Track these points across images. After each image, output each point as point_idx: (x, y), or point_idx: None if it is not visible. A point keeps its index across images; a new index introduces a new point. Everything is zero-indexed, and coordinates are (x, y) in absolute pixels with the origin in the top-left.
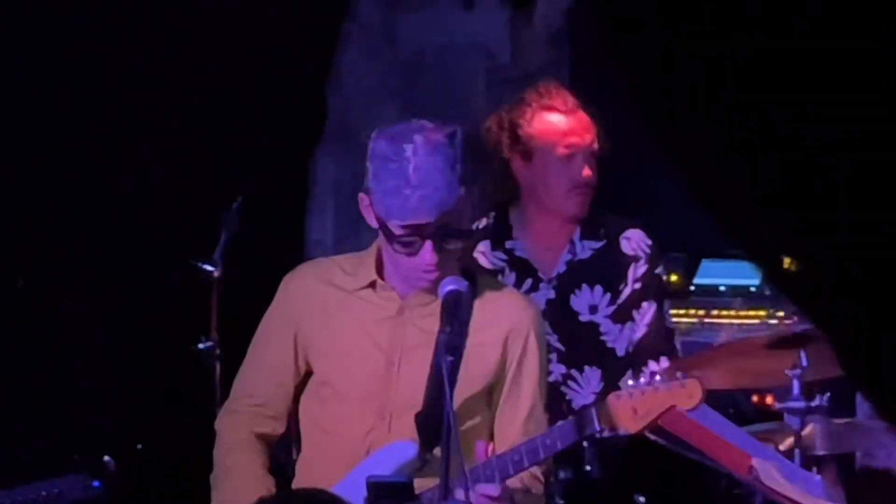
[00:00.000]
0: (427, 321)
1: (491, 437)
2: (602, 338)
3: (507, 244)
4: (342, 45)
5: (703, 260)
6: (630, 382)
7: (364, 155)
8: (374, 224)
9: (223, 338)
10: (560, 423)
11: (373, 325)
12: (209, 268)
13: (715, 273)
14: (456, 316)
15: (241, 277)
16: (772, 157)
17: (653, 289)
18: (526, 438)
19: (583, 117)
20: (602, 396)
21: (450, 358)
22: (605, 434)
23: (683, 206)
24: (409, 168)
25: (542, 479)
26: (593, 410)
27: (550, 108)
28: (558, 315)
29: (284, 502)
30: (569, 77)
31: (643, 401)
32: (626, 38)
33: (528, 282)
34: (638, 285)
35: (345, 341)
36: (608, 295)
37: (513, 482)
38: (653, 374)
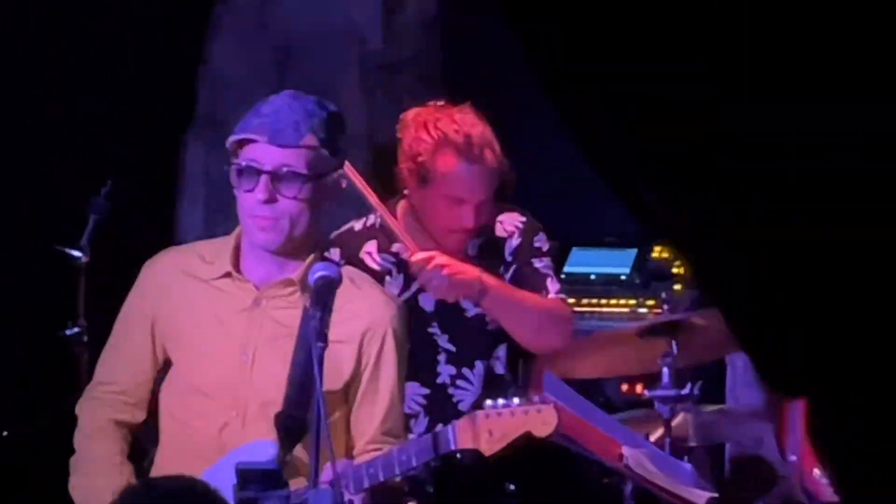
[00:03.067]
0: (284, 313)
1: (349, 434)
2: (489, 328)
3: (394, 247)
4: (213, 31)
5: (574, 248)
6: (489, 402)
7: None
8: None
9: (91, 324)
10: (417, 438)
11: (228, 316)
12: (77, 253)
13: (585, 261)
14: (326, 303)
15: (109, 263)
16: (662, 127)
17: (528, 254)
18: (384, 438)
19: (485, 167)
20: (487, 388)
21: (320, 344)
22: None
23: (553, 194)
24: (267, 100)
25: None
26: (450, 429)
27: (456, 150)
28: (448, 314)
29: (150, 489)
30: (440, 64)
31: (499, 423)
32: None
33: (416, 284)
34: (511, 258)
35: (199, 333)
36: None
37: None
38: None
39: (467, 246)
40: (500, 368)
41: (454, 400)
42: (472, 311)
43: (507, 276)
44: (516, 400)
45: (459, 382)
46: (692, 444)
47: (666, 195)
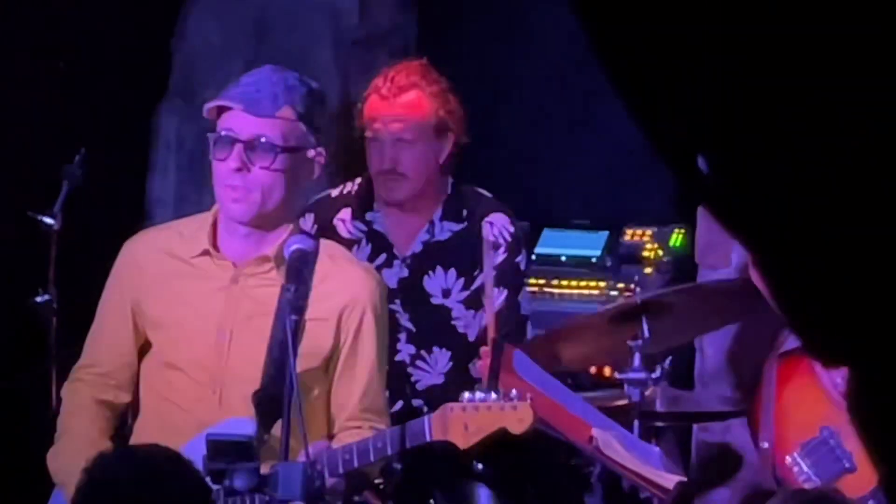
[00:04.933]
0: (262, 291)
1: (329, 410)
2: (453, 322)
3: (368, 215)
4: (188, 2)
5: (546, 229)
6: (466, 395)
7: None
8: None
9: (61, 291)
10: (393, 428)
11: (206, 295)
12: (49, 220)
13: (556, 243)
14: (300, 275)
15: (81, 231)
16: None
17: (507, 277)
18: (363, 415)
19: (401, 105)
20: (450, 378)
21: (294, 317)
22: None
23: (526, 174)
24: (249, 72)
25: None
26: (426, 421)
27: (376, 91)
28: (410, 295)
29: (125, 457)
30: (416, 40)
31: (475, 417)
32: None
33: (383, 257)
34: (493, 273)
35: (178, 311)
36: (462, 280)
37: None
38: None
39: (436, 227)
40: (476, 373)
41: (412, 379)
42: (437, 299)
43: (478, 282)
44: (493, 395)
45: (418, 363)
46: (660, 409)
47: (721, 159)
